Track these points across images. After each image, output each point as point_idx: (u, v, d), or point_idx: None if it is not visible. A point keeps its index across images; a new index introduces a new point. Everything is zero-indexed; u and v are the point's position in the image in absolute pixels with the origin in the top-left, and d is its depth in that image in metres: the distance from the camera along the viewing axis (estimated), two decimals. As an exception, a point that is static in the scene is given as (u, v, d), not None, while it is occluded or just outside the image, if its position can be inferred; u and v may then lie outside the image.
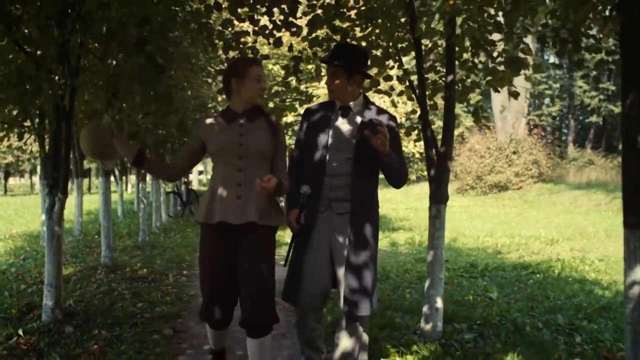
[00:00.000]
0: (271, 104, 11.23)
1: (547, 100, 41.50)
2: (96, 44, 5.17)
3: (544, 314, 5.44)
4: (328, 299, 3.48)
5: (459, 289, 6.68)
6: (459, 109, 32.39)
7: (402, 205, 22.06)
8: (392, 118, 3.40)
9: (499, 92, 4.98)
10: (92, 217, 15.70)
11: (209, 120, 3.31)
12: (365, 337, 3.40)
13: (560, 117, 44.18)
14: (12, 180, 57.15)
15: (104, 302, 5.83)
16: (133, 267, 7.89)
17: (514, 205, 20.88)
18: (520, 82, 5.54)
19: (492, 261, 8.66)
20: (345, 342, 3.31)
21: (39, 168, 41.69)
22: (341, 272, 3.24)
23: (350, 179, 3.23)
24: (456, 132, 32.83)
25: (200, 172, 56.65)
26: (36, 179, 46.90)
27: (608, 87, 36.81)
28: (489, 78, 4.82)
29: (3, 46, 4.12)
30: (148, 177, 12.91)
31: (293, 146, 3.61)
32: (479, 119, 5.21)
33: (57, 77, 4.18)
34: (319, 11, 4.83)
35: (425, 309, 4.72)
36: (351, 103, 3.33)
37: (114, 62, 5.32)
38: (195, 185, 36.11)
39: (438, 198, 4.78)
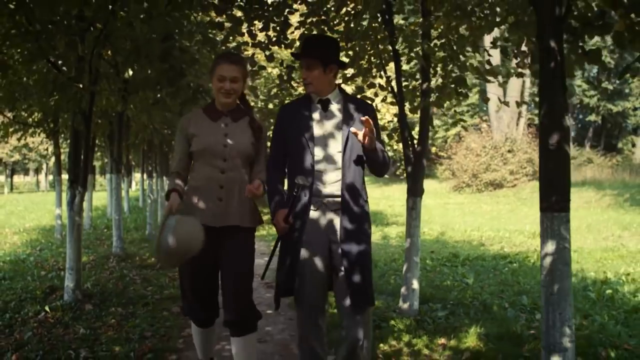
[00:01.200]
0: (271, 105, 11.85)
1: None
2: (109, 52, 5.84)
3: (511, 296, 6.08)
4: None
5: (440, 276, 7.33)
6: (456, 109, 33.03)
7: (399, 202, 22.67)
8: (370, 106, 3.39)
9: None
10: (99, 213, 16.38)
11: (194, 118, 3.25)
12: (370, 326, 3.28)
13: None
14: (16, 178, 57.83)
15: (117, 286, 6.48)
16: (142, 256, 8.57)
17: (508, 202, 21.49)
18: (493, 89, 6.22)
19: (473, 252, 9.31)
20: (352, 334, 3.15)
21: (44, 166, 42.64)
22: (339, 268, 3.14)
23: (340, 173, 3.13)
24: (453, 132, 33.62)
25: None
26: (41, 176, 47.66)
27: (607, 87, 37.32)
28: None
29: (30, 58, 4.77)
30: (153, 175, 13.59)
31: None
32: (456, 124, 5.87)
33: (80, 85, 4.81)
34: (308, 25, 5.48)
35: (403, 289, 5.37)
36: (329, 95, 3.23)
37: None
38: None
39: (414, 191, 5.39)
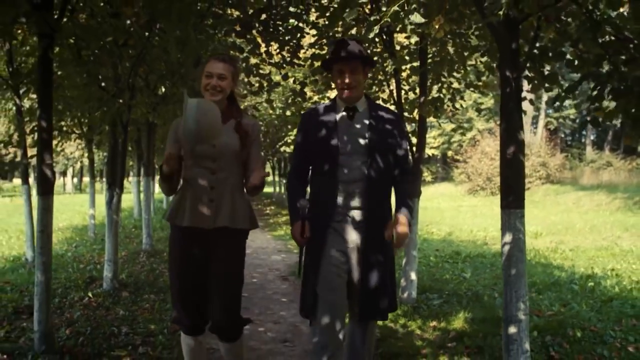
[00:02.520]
0: (288, 113, 12.59)
1: (567, 103, 42.31)
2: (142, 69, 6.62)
3: (502, 288, 6.72)
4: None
5: (440, 271, 8.00)
6: (472, 113, 33.57)
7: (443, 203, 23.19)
8: (397, 115, 3.31)
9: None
10: (126, 214, 17.23)
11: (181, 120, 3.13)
12: (376, 334, 3.33)
13: (579, 120, 44.88)
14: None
15: (148, 277, 7.26)
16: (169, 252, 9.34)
17: (520, 205, 21.96)
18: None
19: (475, 250, 9.96)
20: (359, 340, 3.20)
21: (70, 169, 43.89)
22: (356, 278, 3.09)
23: (364, 184, 3.03)
24: (469, 136, 34.11)
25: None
26: (67, 179, 48.94)
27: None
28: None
29: (86, 81, 5.54)
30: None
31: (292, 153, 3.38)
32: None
33: (120, 100, 5.59)
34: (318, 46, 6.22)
35: (402, 281, 6.05)
36: (357, 102, 3.15)
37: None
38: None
39: (412, 193, 6.05)
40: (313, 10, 5.77)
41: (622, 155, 33.41)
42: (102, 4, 5.01)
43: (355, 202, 3.05)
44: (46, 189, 4.20)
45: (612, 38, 3.57)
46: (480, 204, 23.25)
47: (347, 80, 3.06)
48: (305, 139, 3.18)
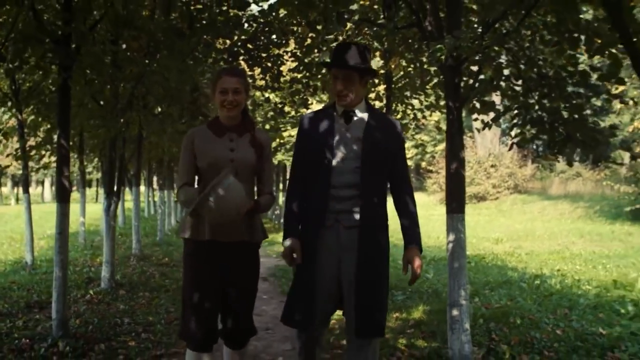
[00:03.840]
0: (267, 126, 13.36)
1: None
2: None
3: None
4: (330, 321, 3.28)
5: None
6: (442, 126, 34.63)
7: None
8: (397, 124, 3.22)
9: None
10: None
11: (198, 134, 3.19)
12: (377, 355, 3.13)
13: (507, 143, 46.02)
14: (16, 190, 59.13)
15: (140, 278, 7.96)
16: (157, 256, 10.07)
17: (488, 214, 23.02)
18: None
19: (440, 254, 10.82)
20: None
21: (47, 180, 44.17)
22: (349, 289, 2.97)
23: (358, 189, 2.95)
24: (441, 147, 35.18)
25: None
26: (46, 188, 49.06)
27: (595, 104, 38.68)
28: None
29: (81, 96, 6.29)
30: (159, 187, 15.08)
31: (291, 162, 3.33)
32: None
33: (122, 120, 6.33)
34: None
35: (370, 278, 6.83)
36: (356, 107, 3.05)
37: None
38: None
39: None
40: (292, 40, 6.60)
41: (591, 166, 34.64)
42: (106, 32, 5.77)
43: (347, 207, 2.96)
44: (64, 197, 4.92)
45: (534, 75, 4.46)
46: (451, 213, 24.15)
47: (338, 87, 3.01)
48: (302, 143, 3.12)
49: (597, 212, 19.53)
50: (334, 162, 2.97)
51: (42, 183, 47.49)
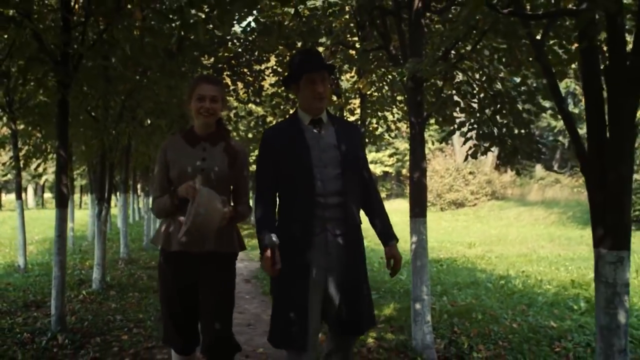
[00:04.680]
0: (250, 135, 13.83)
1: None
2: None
3: (430, 286, 8.10)
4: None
5: (381, 274, 9.35)
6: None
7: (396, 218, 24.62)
8: (358, 127, 3.43)
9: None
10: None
11: (171, 144, 3.17)
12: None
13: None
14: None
15: (129, 280, 8.39)
16: (144, 260, 10.50)
17: (466, 220, 23.67)
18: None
19: (415, 258, 11.36)
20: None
21: (33, 185, 44.23)
22: (335, 293, 2.95)
23: (342, 196, 2.94)
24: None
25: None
26: (29, 195, 49.03)
27: (573, 112, 39.37)
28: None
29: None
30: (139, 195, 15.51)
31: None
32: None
33: (114, 132, 6.80)
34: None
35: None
36: (321, 115, 3.02)
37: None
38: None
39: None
40: (273, 57, 7.12)
41: (569, 173, 35.39)
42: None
43: (335, 214, 2.93)
44: (62, 203, 5.36)
45: (491, 93, 5.01)
46: (430, 219, 24.21)
47: (320, 90, 2.95)
48: (270, 158, 3.00)
49: (569, 218, 20.22)
50: (315, 171, 2.92)
51: (26, 190, 47.45)
